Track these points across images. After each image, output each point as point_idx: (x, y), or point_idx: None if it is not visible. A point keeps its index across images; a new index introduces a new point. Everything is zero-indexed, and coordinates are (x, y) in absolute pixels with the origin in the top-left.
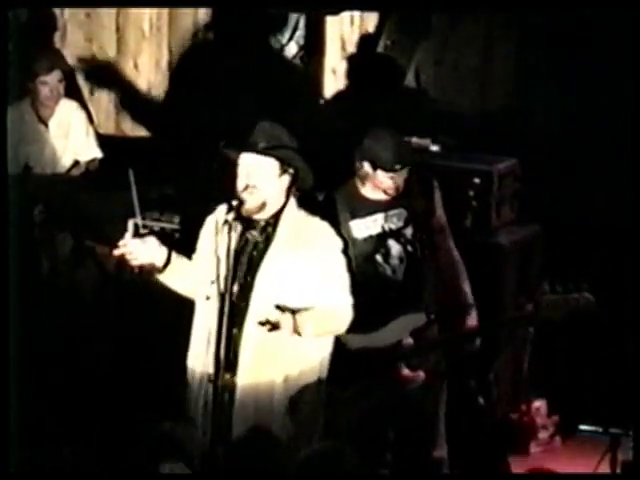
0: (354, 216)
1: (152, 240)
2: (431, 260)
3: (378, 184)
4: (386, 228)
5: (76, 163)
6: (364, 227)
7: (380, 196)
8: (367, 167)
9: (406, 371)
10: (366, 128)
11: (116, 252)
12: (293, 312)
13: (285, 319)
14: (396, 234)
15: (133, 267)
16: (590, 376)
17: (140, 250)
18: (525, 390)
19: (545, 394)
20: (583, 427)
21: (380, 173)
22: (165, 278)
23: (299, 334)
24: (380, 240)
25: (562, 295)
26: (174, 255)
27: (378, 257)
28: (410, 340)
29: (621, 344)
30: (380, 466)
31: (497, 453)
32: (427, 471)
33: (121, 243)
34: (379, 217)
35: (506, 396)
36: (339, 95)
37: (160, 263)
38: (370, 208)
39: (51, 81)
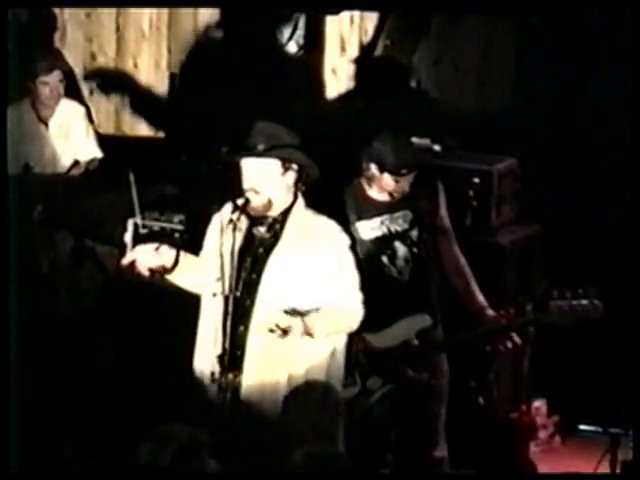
0: (360, 217)
1: (162, 246)
2: (436, 262)
3: (384, 186)
4: (392, 230)
5: (76, 163)
6: (370, 228)
7: (386, 197)
8: (374, 169)
9: (410, 372)
10: (367, 128)
11: (125, 261)
12: (302, 314)
13: (294, 323)
14: (402, 236)
15: (141, 274)
16: (590, 376)
17: (149, 256)
18: (525, 390)
19: (545, 394)
20: (583, 427)
21: (386, 176)
22: (174, 278)
23: (311, 336)
24: (386, 241)
25: (570, 301)
26: (182, 254)
27: (384, 258)
28: (415, 341)
29: (621, 344)
30: (380, 466)
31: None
32: (427, 471)
33: (129, 254)
34: (385, 219)
35: (506, 396)
36: (339, 95)
37: (169, 264)
38: (376, 210)
39: (51, 81)
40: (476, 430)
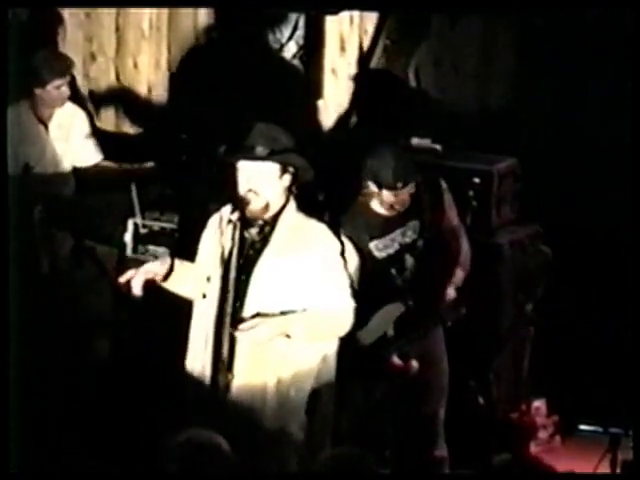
0: (372, 237)
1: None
2: (443, 263)
3: (385, 201)
4: (403, 244)
5: (76, 169)
6: (383, 247)
7: (389, 212)
8: (372, 186)
9: (397, 361)
10: (367, 129)
11: (122, 279)
12: (280, 314)
13: (262, 322)
14: (411, 247)
15: (134, 292)
16: (590, 376)
17: (142, 269)
18: (525, 390)
19: (545, 394)
20: (583, 427)
21: (385, 192)
22: (169, 285)
23: (288, 337)
24: (397, 256)
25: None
26: (177, 262)
27: (393, 271)
28: (392, 332)
29: (621, 344)
30: (380, 466)
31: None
32: (427, 471)
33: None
34: (396, 235)
35: (506, 396)
36: (339, 96)
37: (163, 271)
38: (386, 226)
39: (62, 85)
40: (476, 430)
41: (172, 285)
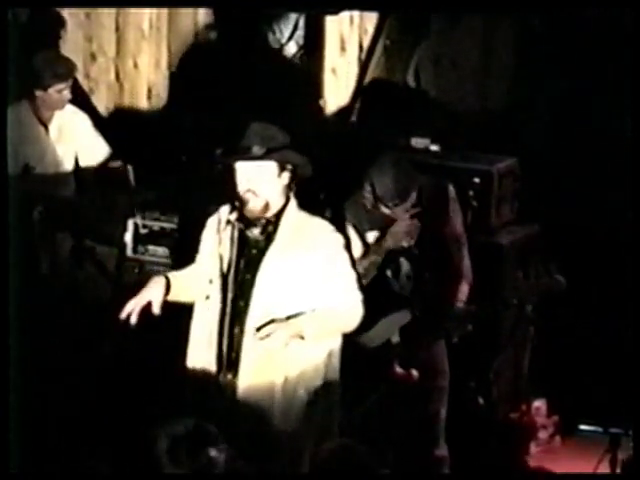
0: (371, 227)
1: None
2: (443, 268)
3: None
4: (398, 244)
5: (76, 169)
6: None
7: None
8: (370, 194)
9: (399, 370)
10: (367, 130)
11: (123, 314)
12: (290, 317)
13: (276, 326)
14: (408, 251)
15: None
16: (590, 376)
17: (138, 298)
18: (525, 390)
19: (545, 394)
20: (583, 427)
21: (380, 204)
22: (171, 298)
23: (302, 338)
24: (392, 257)
25: (535, 280)
26: (171, 275)
27: (388, 272)
28: (398, 338)
29: (621, 344)
30: (380, 465)
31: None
32: (427, 471)
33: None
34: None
35: (506, 396)
36: (339, 96)
37: (160, 296)
38: (386, 219)
39: (64, 89)
40: (476, 430)
41: (174, 298)
